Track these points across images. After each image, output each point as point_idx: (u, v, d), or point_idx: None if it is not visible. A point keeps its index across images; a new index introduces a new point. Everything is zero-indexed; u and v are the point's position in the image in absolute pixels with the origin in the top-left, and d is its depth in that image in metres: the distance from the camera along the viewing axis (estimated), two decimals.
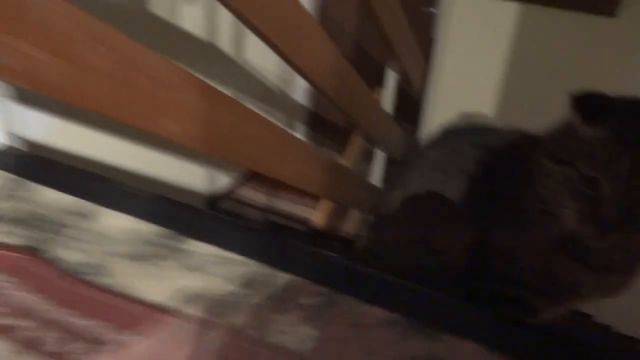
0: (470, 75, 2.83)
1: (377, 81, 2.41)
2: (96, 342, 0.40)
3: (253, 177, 3.28)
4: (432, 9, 2.89)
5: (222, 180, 3.04)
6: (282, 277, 0.48)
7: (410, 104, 3.12)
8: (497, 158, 0.77)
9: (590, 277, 0.68)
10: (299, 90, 3.69)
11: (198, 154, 2.62)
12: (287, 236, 0.57)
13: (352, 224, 2.44)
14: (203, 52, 2.51)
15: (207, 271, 0.49)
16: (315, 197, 3.12)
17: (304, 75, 1.40)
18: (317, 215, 2.16)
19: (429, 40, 2.86)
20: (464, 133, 0.86)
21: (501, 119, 2.78)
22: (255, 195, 3.10)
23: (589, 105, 0.60)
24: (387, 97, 2.42)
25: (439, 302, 0.49)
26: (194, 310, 0.44)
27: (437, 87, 2.92)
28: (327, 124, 3.74)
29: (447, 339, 0.45)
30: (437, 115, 2.99)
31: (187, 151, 2.51)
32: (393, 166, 3.04)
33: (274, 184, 3.28)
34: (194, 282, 0.47)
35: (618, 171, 0.55)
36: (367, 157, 2.53)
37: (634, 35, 2.39)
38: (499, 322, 0.54)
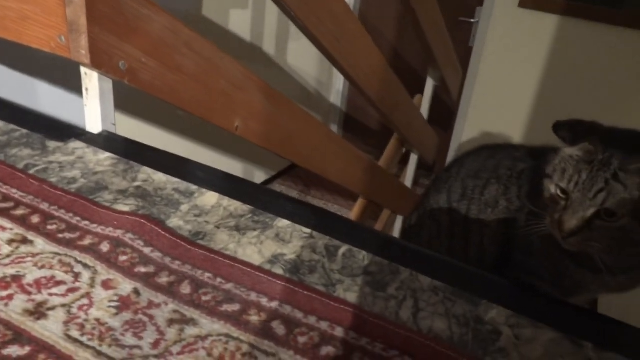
0: (505, 86, 2.89)
1: (416, 88, 2.49)
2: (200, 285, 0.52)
3: (286, 175, 3.41)
4: (471, 19, 2.97)
5: (258, 177, 3.18)
6: (348, 249, 0.59)
7: (445, 112, 3.20)
8: (522, 169, 0.89)
9: (591, 277, 0.76)
10: (334, 93, 3.82)
11: (236, 150, 2.76)
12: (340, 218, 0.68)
13: (380, 226, 2.53)
14: (249, 54, 2.66)
15: (290, 241, 0.60)
16: (345, 198, 3.23)
17: (350, 79, 1.51)
18: (350, 215, 2.25)
19: (467, 50, 2.94)
20: (496, 148, 0.98)
21: (534, 130, 2.84)
22: (288, 192, 3.22)
23: (569, 129, 0.72)
24: (425, 104, 2.50)
25: (476, 274, 0.60)
26: (281, 271, 0.55)
27: (472, 96, 2.99)
28: (358, 126, 3.86)
29: (485, 303, 0.54)
30: (470, 123, 3.06)
31: (226, 147, 2.65)
32: (428, 170, 3.13)
33: (306, 182, 3.40)
34: (280, 250, 0.59)
35: (582, 185, 0.68)
36: (402, 160, 2.62)
37: None
38: (528, 291, 0.64)
